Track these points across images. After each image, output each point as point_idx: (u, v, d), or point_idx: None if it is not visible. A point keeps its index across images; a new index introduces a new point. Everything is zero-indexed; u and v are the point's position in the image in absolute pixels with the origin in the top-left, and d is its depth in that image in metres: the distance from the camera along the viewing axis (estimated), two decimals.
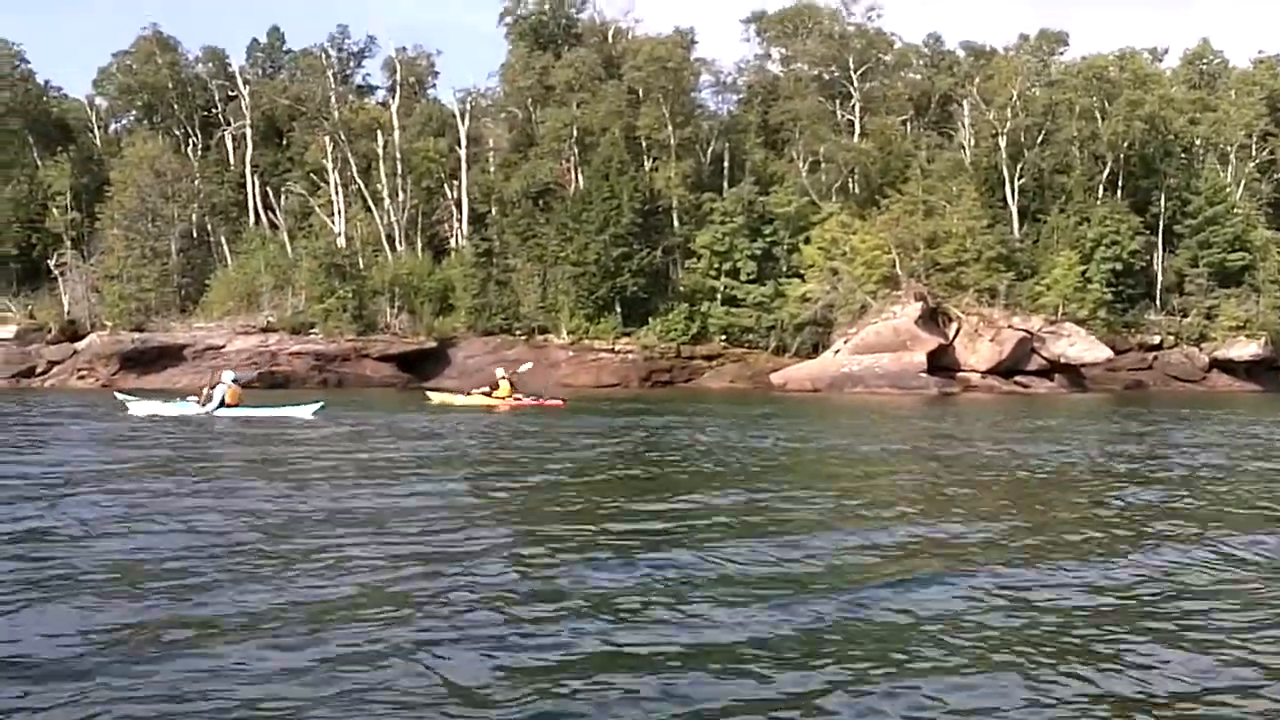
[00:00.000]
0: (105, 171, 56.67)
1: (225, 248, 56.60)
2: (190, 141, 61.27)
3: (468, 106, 57.58)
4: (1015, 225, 54.41)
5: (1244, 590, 7.01)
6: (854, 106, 58.29)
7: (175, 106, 61.29)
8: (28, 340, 51.64)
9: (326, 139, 55.58)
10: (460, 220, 56.69)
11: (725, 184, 55.08)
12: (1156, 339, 54.48)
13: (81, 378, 48.15)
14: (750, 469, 14.29)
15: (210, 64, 62.43)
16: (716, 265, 52.64)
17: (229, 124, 60.52)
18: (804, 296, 50.07)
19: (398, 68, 59.67)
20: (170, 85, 60.63)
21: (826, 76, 59.20)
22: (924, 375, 45.13)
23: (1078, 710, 4.78)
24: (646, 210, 51.84)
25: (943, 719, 4.67)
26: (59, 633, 5.71)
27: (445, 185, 57.13)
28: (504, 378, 30.21)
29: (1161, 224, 55.75)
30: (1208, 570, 7.59)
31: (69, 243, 55.27)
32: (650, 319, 51.71)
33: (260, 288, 52.22)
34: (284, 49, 65.12)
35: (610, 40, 59.89)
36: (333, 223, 55.85)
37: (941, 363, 47.09)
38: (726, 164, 56.14)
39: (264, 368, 47.93)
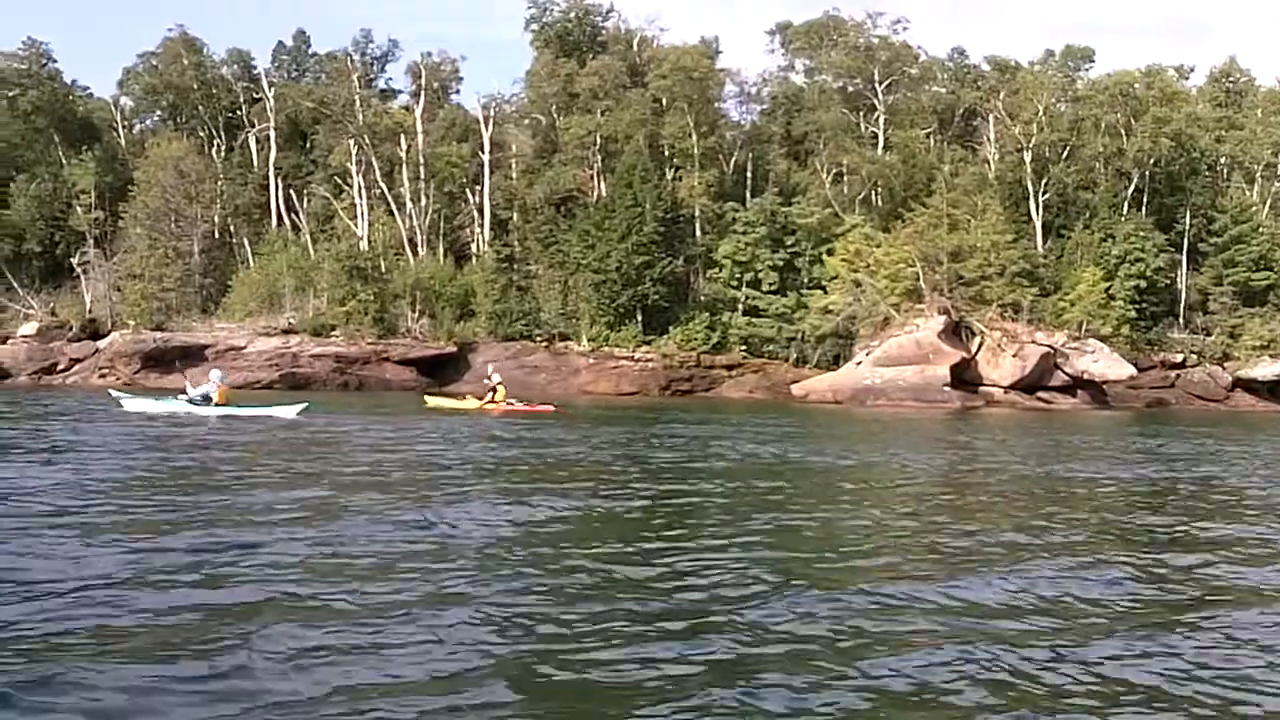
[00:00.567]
0: (129, 171, 56.86)
1: (247, 249, 56.71)
2: (214, 143, 61.49)
3: (491, 112, 57.65)
4: (1039, 240, 54.19)
5: None
6: (878, 119, 58.16)
7: (200, 108, 61.52)
8: (49, 338, 51.76)
9: (351, 142, 55.67)
10: (482, 226, 56.70)
11: (748, 194, 54.99)
12: (1179, 357, 54.11)
13: (103, 376, 48.17)
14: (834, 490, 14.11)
15: (235, 66, 62.63)
16: (738, 275, 52.51)
17: (253, 126, 60.70)
18: (826, 308, 49.87)
19: (422, 72, 59.78)
20: (195, 86, 60.86)
21: (851, 88, 59.15)
22: (947, 389, 44.87)
23: None
24: (669, 219, 51.78)
25: None
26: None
27: (467, 190, 57.18)
28: (499, 384, 30.77)
29: (1186, 242, 55.45)
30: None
31: (92, 241, 55.44)
32: (671, 328, 51.60)
33: (282, 289, 52.27)
34: (309, 52, 65.32)
35: (635, 49, 59.92)
36: (355, 226, 55.91)
37: (964, 377, 46.83)
38: (749, 174, 56.08)
39: (285, 369, 48.07)
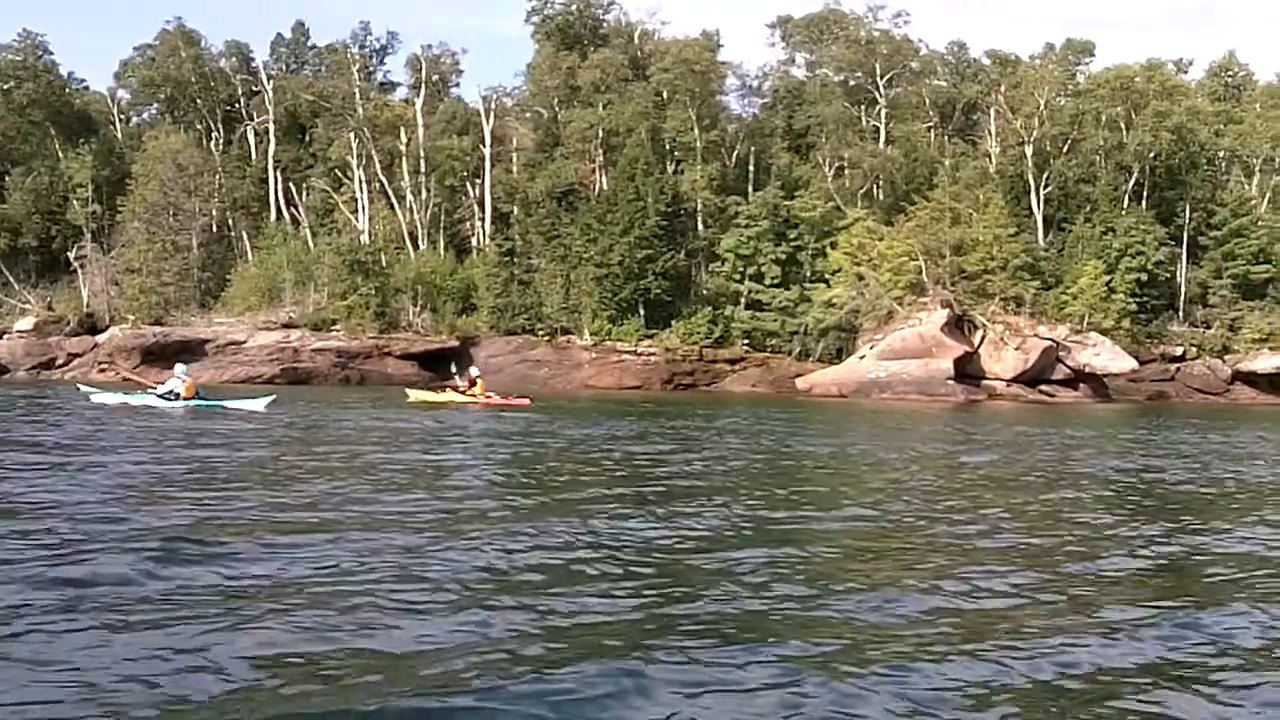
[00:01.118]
0: (126, 164, 56.50)
1: (246, 243, 56.43)
2: (212, 136, 61.08)
3: (492, 105, 57.44)
4: (1040, 234, 54.29)
5: None
6: (879, 112, 58.11)
7: (198, 100, 61.10)
8: (46, 332, 51.48)
9: (351, 135, 55.39)
10: (483, 219, 56.51)
11: (750, 188, 54.90)
12: (1179, 350, 54.24)
13: (102, 370, 47.80)
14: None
15: (233, 59, 62.23)
16: (740, 269, 52.44)
17: (251, 119, 60.35)
18: (829, 302, 49.87)
19: (422, 65, 59.49)
20: (193, 79, 60.44)
21: (852, 82, 59.06)
22: (951, 382, 44.96)
23: None
24: (671, 212, 51.66)
25: None
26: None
27: (468, 184, 56.97)
28: (477, 377, 31.26)
29: (1186, 235, 55.57)
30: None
31: (89, 235, 55.10)
32: (673, 322, 51.51)
33: (281, 284, 52.02)
34: (308, 45, 64.97)
35: (636, 42, 59.74)
36: (356, 219, 55.65)
37: (966, 370, 46.92)
38: (751, 168, 55.98)
39: (286, 364, 47.86)
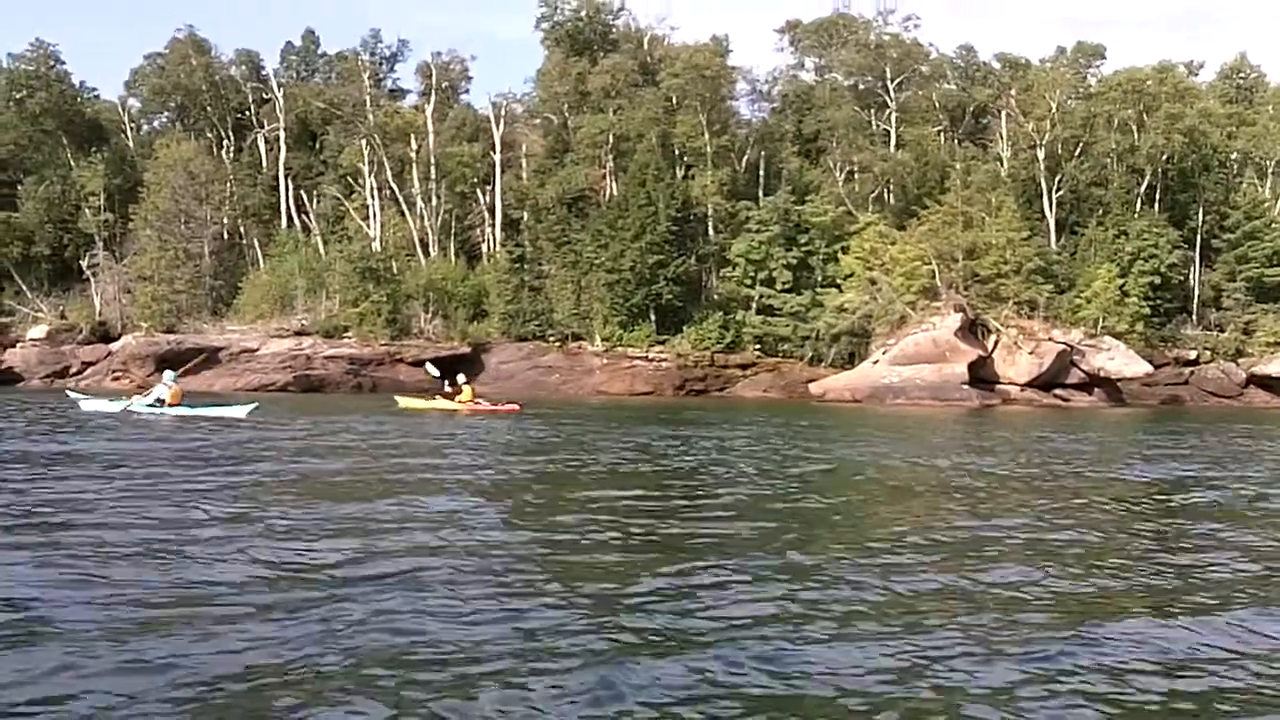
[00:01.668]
0: (138, 172, 56.62)
1: (258, 250, 56.50)
2: (223, 143, 61.20)
3: (502, 111, 57.49)
4: (1053, 238, 54.12)
5: None
6: (890, 116, 58.02)
7: (208, 108, 61.27)
8: (59, 341, 51.56)
9: (362, 142, 55.48)
10: (493, 226, 56.53)
11: (761, 193, 54.82)
12: (1193, 354, 54.02)
13: (116, 379, 47.97)
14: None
15: (244, 66, 62.41)
16: (752, 274, 52.34)
17: (262, 126, 60.47)
18: (842, 306, 49.75)
19: (432, 72, 59.60)
20: (204, 87, 60.62)
21: (862, 86, 59.00)
22: (965, 387, 44.75)
23: None
24: (682, 218, 51.61)
25: None
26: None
27: (478, 190, 57.00)
28: (465, 384, 31.40)
29: (1199, 238, 55.36)
30: None
31: (101, 243, 55.22)
32: (684, 327, 51.43)
33: (293, 291, 52.06)
34: (318, 52, 65.12)
35: (646, 47, 59.77)
36: (367, 226, 55.72)
37: (980, 375, 46.68)
38: (762, 172, 55.93)
39: (299, 371, 47.90)
